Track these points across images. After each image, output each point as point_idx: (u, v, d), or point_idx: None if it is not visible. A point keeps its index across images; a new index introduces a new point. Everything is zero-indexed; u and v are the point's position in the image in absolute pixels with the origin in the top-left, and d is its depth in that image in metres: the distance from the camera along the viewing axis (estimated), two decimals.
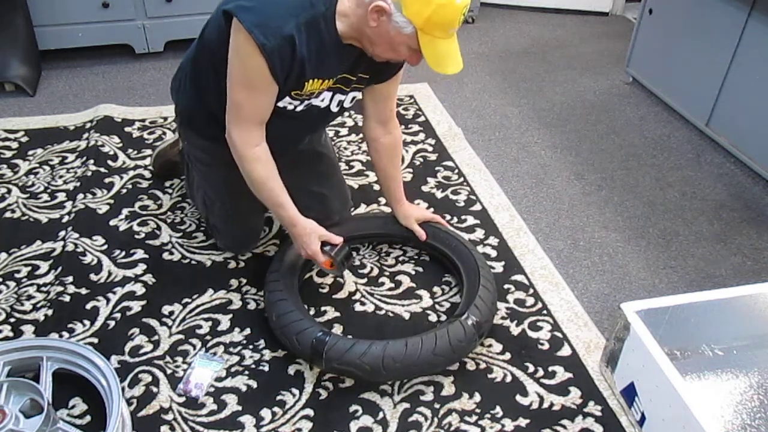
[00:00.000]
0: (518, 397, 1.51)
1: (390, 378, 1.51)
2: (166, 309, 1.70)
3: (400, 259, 1.91)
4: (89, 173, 2.20)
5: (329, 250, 1.61)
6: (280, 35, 1.33)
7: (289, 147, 1.73)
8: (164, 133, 2.47)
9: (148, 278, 1.79)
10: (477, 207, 2.15)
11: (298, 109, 1.53)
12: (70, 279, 1.77)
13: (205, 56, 1.56)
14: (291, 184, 1.78)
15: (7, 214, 2.03)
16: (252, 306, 1.72)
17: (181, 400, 1.47)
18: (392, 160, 1.78)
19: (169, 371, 1.53)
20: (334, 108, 1.60)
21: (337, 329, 1.67)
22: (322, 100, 1.55)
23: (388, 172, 1.79)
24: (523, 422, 1.45)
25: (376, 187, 2.22)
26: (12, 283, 1.77)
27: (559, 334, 1.67)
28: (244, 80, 1.41)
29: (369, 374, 1.46)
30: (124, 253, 1.88)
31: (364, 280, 1.83)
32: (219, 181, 1.76)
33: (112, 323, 1.65)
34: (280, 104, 1.50)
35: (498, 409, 1.48)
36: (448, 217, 2.08)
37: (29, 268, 1.82)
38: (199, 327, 1.66)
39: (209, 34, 1.52)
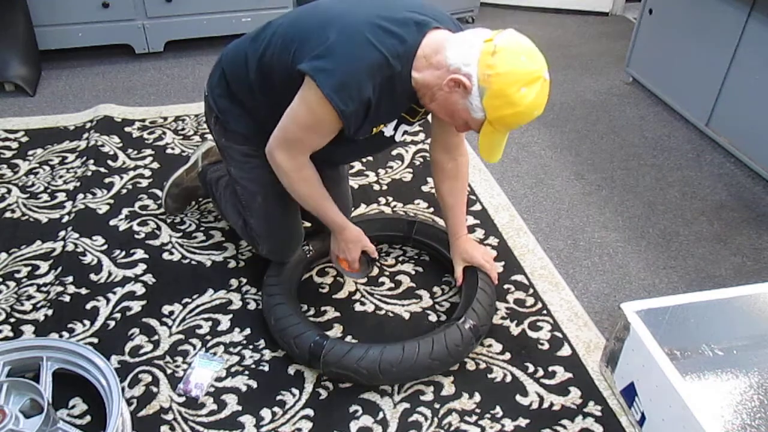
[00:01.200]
0: (518, 397, 1.51)
1: (387, 382, 1.51)
2: (166, 309, 1.70)
3: (400, 259, 1.91)
4: (89, 173, 2.20)
5: (366, 260, 1.70)
6: (359, 99, 1.31)
7: (334, 163, 1.71)
8: (164, 133, 2.47)
9: (148, 278, 1.80)
10: (477, 207, 2.15)
11: (362, 137, 1.49)
12: (70, 279, 1.77)
13: (263, 85, 1.49)
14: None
15: (7, 214, 2.03)
16: (252, 306, 1.72)
17: (181, 400, 1.47)
18: (453, 188, 1.69)
19: (169, 371, 1.53)
20: (398, 138, 1.57)
21: (337, 329, 1.67)
22: (386, 126, 1.51)
23: (447, 201, 1.71)
24: (523, 422, 1.45)
25: (376, 187, 2.22)
26: (12, 283, 1.77)
27: (559, 334, 1.67)
28: (310, 126, 1.39)
29: (366, 378, 1.46)
30: (124, 253, 1.88)
31: (364, 280, 1.83)
32: (262, 172, 1.63)
33: (112, 323, 1.65)
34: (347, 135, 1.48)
35: (498, 409, 1.48)
36: None
37: (29, 268, 1.82)
38: (199, 327, 1.66)
39: (274, 71, 1.44)
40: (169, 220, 2.01)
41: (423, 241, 1.88)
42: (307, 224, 1.81)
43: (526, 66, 1.24)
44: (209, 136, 2.08)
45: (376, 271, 1.86)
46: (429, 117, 1.59)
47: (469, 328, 1.52)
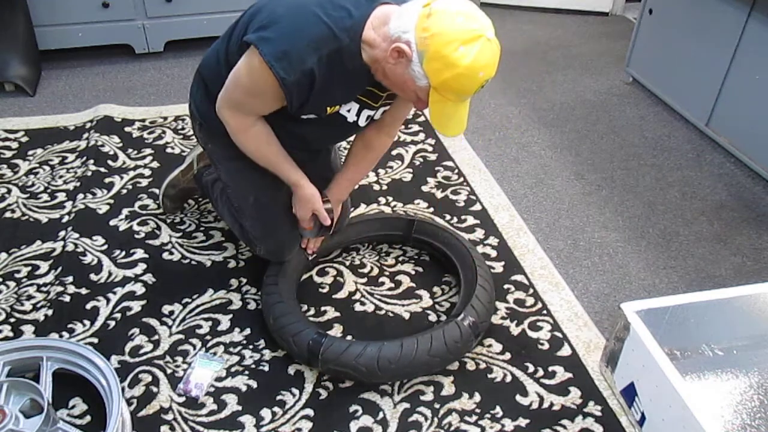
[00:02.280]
0: (518, 397, 1.51)
1: (386, 379, 1.51)
2: (166, 309, 1.70)
3: (400, 259, 1.91)
4: (89, 173, 2.20)
5: (316, 222, 1.69)
6: (300, 70, 1.30)
7: (312, 152, 1.70)
8: (164, 132, 2.47)
9: (148, 278, 1.80)
10: (477, 207, 2.15)
11: (324, 116, 1.50)
12: (70, 279, 1.77)
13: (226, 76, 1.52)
14: (308, 171, 1.76)
15: (7, 214, 2.03)
16: (252, 306, 1.72)
17: (181, 400, 1.47)
18: (361, 155, 1.69)
19: (169, 371, 1.53)
20: (362, 123, 1.56)
21: (337, 329, 1.67)
22: (348, 111, 1.51)
23: (349, 162, 1.69)
24: (523, 422, 1.45)
25: (376, 187, 2.22)
26: (12, 283, 1.77)
27: (559, 334, 1.67)
28: (250, 91, 1.40)
29: (365, 375, 1.46)
30: (124, 253, 1.88)
31: (364, 280, 1.83)
32: (251, 174, 1.65)
33: (112, 323, 1.65)
34: (304, 116, 1.48)
35: (498, 409, 1.48)
36: (448, 216, 2.08)
37: (29, 268, 1.82)
38: (199, 327, 1.66)
39: (233, 60, 1.45)
40: (169, 220, 2.01)
41: (423, 240, 1.88)
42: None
43: (462, 25, 1.23)
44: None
45: (376, 271, 1.86)
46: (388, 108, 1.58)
47: (468, 325, 1.52)
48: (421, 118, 2.66)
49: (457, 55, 1.21)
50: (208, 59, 1.59)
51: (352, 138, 1.71)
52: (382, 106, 1.54)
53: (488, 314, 1.61)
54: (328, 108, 1.45)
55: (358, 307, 1.74)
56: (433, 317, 1.72)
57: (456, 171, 2.33)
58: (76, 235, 1.92)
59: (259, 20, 1.35)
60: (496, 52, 1.28)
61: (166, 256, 1.88)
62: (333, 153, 1.87)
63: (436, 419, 1.45)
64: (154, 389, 1.48)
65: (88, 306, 1.70)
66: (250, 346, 1.61)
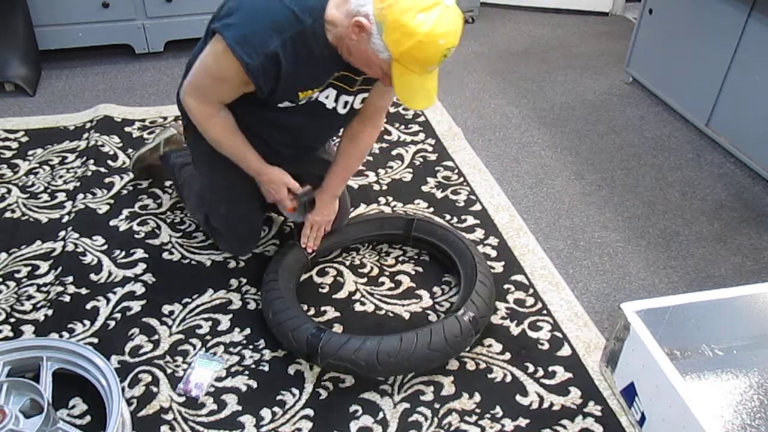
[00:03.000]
0: (518, 397, 1.51)
1: (386, 374, 1.51)
2: (166, 309, 1.70)
3: (400, 259, 1.91)
4: (89, 173, 2.20)
5: (295, 195, 1.70)
6: (264, 53, 1.30)
7: (300, 148, 1.70)
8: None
9: (148, 278, 1.80)
10: (477, 207, 2.15)
11: (302, 103, 1.50)
12: (70, 279, 1.77)
13: None
14: (302, 172, 1.78)
15: (7, 214, 2.03)
16: (252, 306, 1.72)
17: (181, 400, 1.47)
18: (348, 150, 1.69)
19: (169, 371, 1.53)
20: (341, 110, 1.56)
21: (337, 329, 1.67)
22: (327, 98, 1.51)
23: (338, 159, 1.71)
24: (523, 422, 1.45)
25: (376, 187, 2.22)
26: (12, 283, 1.77)
27: (559, 334, 1.67)
28: (215, 76, 1.42)
29: (364, 369, 1.46)
30: (124, 253, 1.88)
31: (364, 280, 1.83)
32: (223, 183, 1.73)
33: (112, 323, 1.65)
34: (281, 105, 1.49)
35: (498, 409, 1.48)
36: (448, 216, 2.08)
37: (29, 268, 1.82)
38: (199, 327, 1.66)
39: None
40: (168, 220, 2.02)
41: (422, 239, 1.88)
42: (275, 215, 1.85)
43: None
44: (173, 123, 2.16)
45: (376, 271, 1.86)
46: (367, 95, 1.57)
47: (468, 320, 1.52)
48: (422, 118, 2.66)
49: (415, 23, 1.20)
50: (193, 56, 1.61)
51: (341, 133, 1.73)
52: (360, 92, 1.54)
53: (488, 310, 1.61)
54: (300, 93, 1.44)
55: (358, 307, 1.74)
56: (433, 317, 1.72)
57: (456, 171, 2.33)
58: (76, 235, 1.92)
59: (226, 8, 1.37)
60: (457, 19, 1.25)
61: (166, 256, 1.88)
62: (327, 152, 1.88)
63: (436, 419, 1.45)
64: (154, 389, 1.48)
65: (88, 306, 1.70)
66: (250, 346, 1.61)
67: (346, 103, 1.55)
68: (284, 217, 1.84)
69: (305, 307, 1.72)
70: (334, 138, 1.94)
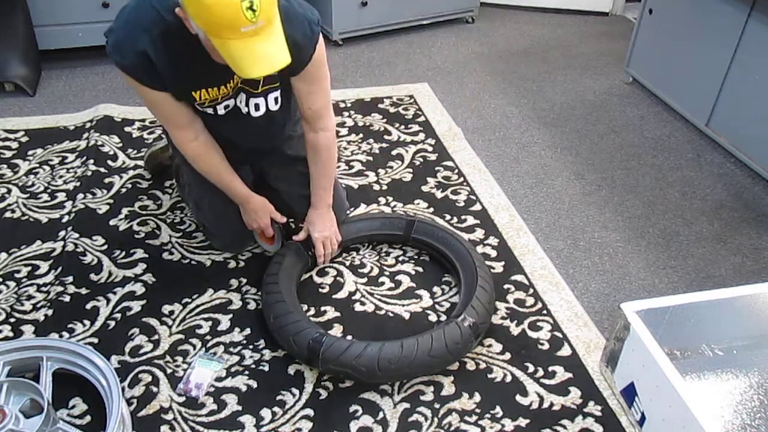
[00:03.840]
0: (518, 397, 1.50)
1: (386, 379, 1.51)
2: (166, 309, 1.70)
3: (400, 259, 1.91)
4: (89, 173, 2.20)
5: (276, 227, 1.84)
6: (133, 52, 1.34)
7: (249, 152, 1.74)
8: (164, 133, 2.47)
9: (148, 278, 1.80)
10: (477, 207, 2.15)
11: (221, 112, 1.54)
12: (70, 279, 1.77)
13: None
14: (286, 190, 1.82)
15: (7, 214, 2.03)
16: (252, 306, 1.72)
17: (181, 400, 1.47)
18: (313, 159, 1.71)
19: (169, 371, 1.53)
20: (254, 112, 1.57)
21: (337, 329, 1.67)
22: (241, 102, 1.54)
23: (310, 170, 1.73)
24: (523, 422, 1.45)
25: (376, 187, 2.22)
26: (12, 283, 1.77)
27: (559, 334, 1.67)
28: (148, 104, 1.49)
29: (365, 375, 1.46)
30: (124, 253, 1.88)
31: (364, 280, 1.83)
32: (209, 183, 1.73)
33: (112, 323, 1.65)
34: (202, 110, 1.52)
35: (498, 409, 1.48)
36: (448, 216, 2.08)
37: (29, 268, 1.82)
38: (199, 327, 1.66)
39: None
40: (168, 220, 2.02)
41: (422, 240, 1.88)
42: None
43: None
44: None
45: (376, 271, 1.86)
46: (278, 94, 1.57)
47: (468, 326, 1.52)
48: (422, 118, 2.66)
49: None
50: None
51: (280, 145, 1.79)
52: (269, 91, 1.55)
53: (488, 315, 1.61)
54: (194, 92, 1.45)
55: (358, 307, 1.74)
56: (433, 317, 1.72)
57: (456, 171, 2.33)
58: (76, 235, 1.92)
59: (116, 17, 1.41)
60: None
61: (166, 256, 1.88)
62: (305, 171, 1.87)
63: (436, 419, 1.45)
64: (154, 389, 1.48)
65: (88, 306, 1.70)
66: (250, 346, 1.61)
67: (257, 105, 1.56)
68: (260, 245, 1.91)
69: (305, 307, 1.72)
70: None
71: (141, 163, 2.28)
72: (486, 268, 1.74)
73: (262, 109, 1.58)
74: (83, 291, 1.74)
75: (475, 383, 1.53)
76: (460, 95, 2.93)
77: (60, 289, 1.73)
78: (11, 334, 1.61)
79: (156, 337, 1.62)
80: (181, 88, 1.44)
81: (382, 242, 1.95)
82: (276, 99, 1.58)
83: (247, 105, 1.55)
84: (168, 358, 1.57)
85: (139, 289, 1.76)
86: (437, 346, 1.48)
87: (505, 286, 1.82)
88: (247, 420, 1.43)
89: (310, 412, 1.46)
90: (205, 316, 1.69)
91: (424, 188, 2.23)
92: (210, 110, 1.52)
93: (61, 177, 2.21)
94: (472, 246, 1.85)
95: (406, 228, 1.90)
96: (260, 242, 1.88)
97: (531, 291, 1.81)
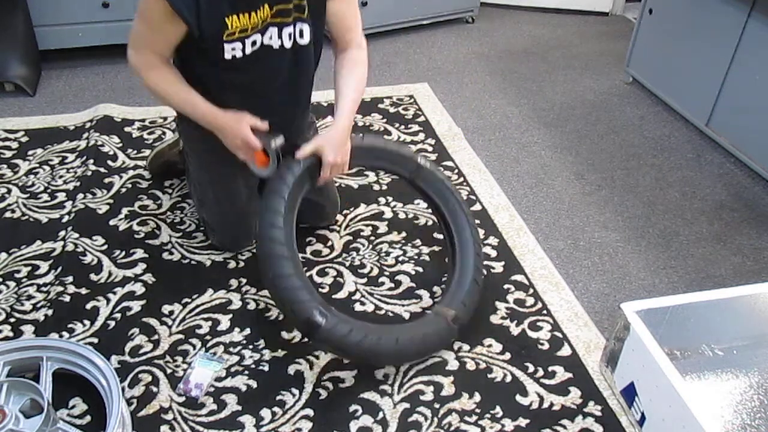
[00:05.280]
0: (518, 397, 1.51)
1: (375, 365, 1.56)
2: (166, 309, 1.70)
3: (400, 259, 1.91)
4: (89, 173, 2.20)
5: (263, 138, 1.53)
6: None
7: (274, 109, 1.64)
8: (164, 133, 2.47)
9: (148, 278, 1.80)
10: (477, 207, 2.15)
11: (248, 51, 1.47)
12: (70, 279, 1.77)
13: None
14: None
15: (7, 214, 2.03)
16: (252, 306, 1.72)
17: (181, 400, 1.47)
18: (349, 74, 1.63)
19: (169, 371, 1.53)
20: (287, 43, 1.51)
21: None
22: (270, 38, 1.49)
23: (340, 85, 1.63)
24: (523, 422, 1.45)
25: (376, 187, 2.22)
26: (12, 283, 1.77)
27: (559, 334, 1.67)
28: (146, 15, 1.43)
29: (354, 359, 1.52)
30: (124, 252, 1.88)
31: (364, 280, 1.83)
32: (213, 176, 1.76)
33: (112, 323, 1.65)
34: (227, 55, 1.46)
35: (498, 409, 1.48)
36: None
37: (29, 268, 1.82)
38: (199, 327, 1.66)
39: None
40: (168, 220, 2.02)
41: (423, 190, 1.82)
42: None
43: None
44: None
45: (376, 271, 1.86)
46: (306, 27, 1.54)
47: (454, 319, 1.57)
48: (421, 118, 2.66)
49: None
50: None
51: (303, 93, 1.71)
52: (298, 20, 1.52)
53: (474, 310, 1.66)
54: (228, 18, 1.41)
55: (358, 307, 1.74)
56: None
57: (456, 171, 2.33)
58: (76, 235, 1.92)
59: None
60: None
61: (166, 256, 1.88)
62: (307, 125, 1.87)
63: (436, 419, 1.45)
64: (154, 389, 1.48)
65: (88, 306, 1.70)
66: (250, 346, 1.61)
67: (289, 35, 1.52)
68: (254, 173, 1.65)
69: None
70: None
71: (141, 163, 2.28)
72: (482, 260, 1.75)
73: (292, 40, 1.53)
74: (83, 291, 1.74)
75: (475, 383, 1.53)
76: (460, 95, 2.93)
77: (60, 289, 1.73)
78: (11, 334, 1.61)
79: (156, 337, 1.62)
80: (217, 11, 1.39)
81: (388, 173, 1.90)
82: (302, 32, 1.54)
83: (279, 37, 1.50)
84: (168, 358, 1.57)
85: (139, 289, 1.76)
86: (431, 340, 1.54)
87: (505, 286, 1.82)
88: (247, 420, 1.43)
89: (310, 412, 1.46)
90: (205, 316, 1.69)
91: None
92: (238, 50, 1.46)
93: (61, 177, 2.21)
94: (477, 229, 1.80)
95: (413, 172, 1.80)
96: (253, 168, 1.60)
97: (531, 291, 1.81)
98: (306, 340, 1.61)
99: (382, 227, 2.03)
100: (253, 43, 1.49)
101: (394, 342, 1.47)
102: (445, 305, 1.60)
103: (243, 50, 1.48)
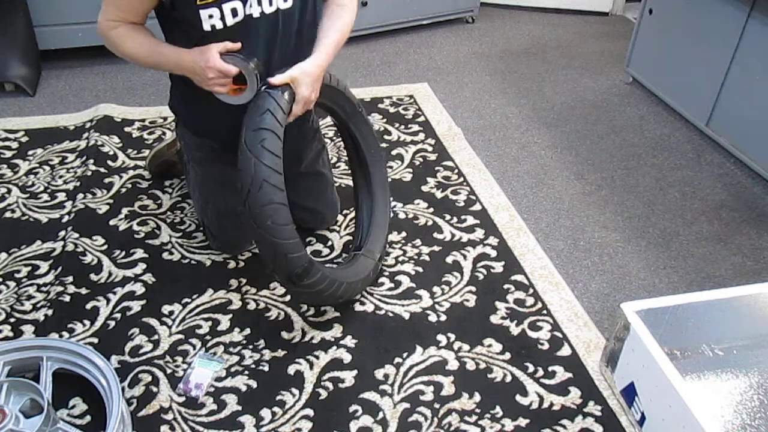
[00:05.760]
0: (518, 397, 1.51)
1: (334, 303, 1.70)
2: (166, 309, 1.70)
3: (400, 259, 1.91)
4: (89, 173, 2.20)
5: (238, 62, 1.42)
6: None
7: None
8: (164, 133, 2.48)
9: (148, 278, 1.80)
10: (477, 207, 2.15)
11: (230, 23, 1.42)
12: (70, 279, 1.77)
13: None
14: (289, 200, 1.79)
15: (7, 214, 2.03)
16: (252, 306, 1.72)
17: (181, 400, 1.47)
18: (334, 16, 1.59)
19: (169, 371, 1.53)
20: (268, 9, 1.45)
21: (337, 329, 1.67)
22: (251, 6, 1.43)
23: (325, 24, 1.58)
24: (523, 422, 1.45)
25: None
26: (12, 283, 1.77)
27: (559, 334, 1.67)
28: None
29: (325, 304, 1.70)
30: (124, 252, 1.88)
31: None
32: (212, 180, 1.77)
33: (112, 323, 1.65)
34: (205, 26, 1.41)
35: (498, 409, 1.48)
36: (448, 216, 2.08)
37: (29, 268, 1.82)
38: (199, 327, 1.66)
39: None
40: (168, 220, 2.02)
41: (353, 134, 1.83)
42: None
43: None
44: None
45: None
46: None
47: (377, 260, 1.78)
48: (421, 118, 2.66)
49: None
50: None
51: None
52: None
53: (386, 242, 1.86)
54: None
55: (358, 307, 1.74)
56: (433, 317, 1.72)
57: (456, 171, 2.33)
58: (76, 235, 1.92)
59: None
60: None
61: (166, 256, 1.88)
62: (321, 182, 1.93)
63: (436, 419, 1.45)
64: (154, 389, 1.48)
65: (88, 306, 1.70)
66: (250, 346, 1.61)
67: (270, 1, 1.45)
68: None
69: (304, 308, 1.72)
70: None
71: (141, 163, 2.29)
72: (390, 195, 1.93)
73: (273, 7, 1.46)
74: (83, 291, 1.74)
75: (475, 383, 1.53)
76: (460, 95, 2.93)
77: (60, 289, 1.74)
78: (11, 334, 1.61)
79: (156, 337, 1.62)
80: None
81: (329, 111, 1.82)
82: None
83: (260, 4, 1.43)
84: (168, 358, 1.57)
85: (139, 289, 1.76)
86: (370, 279, 1.76)
87: (505, 286, 1.82)
88: (247, 420, 1.43)
89: (310, 412, 1.46)
90: (205, 316, 1.69)
91: (424, 188, 2.23)
92: (216, 18, 1.40)
93: (61, 177, 2.21)
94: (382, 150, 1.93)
95: (349, 114, 1.80)
96: (228, 98, 1.49)
97: (531, 291, 1.81)
98: (289, 295, 1.74)
99: None
100: (234, 12, 1.42)
101: (355, 285, 1.66)
102: (371, 247, 1.80)
103: (222, 19, 1.42)
